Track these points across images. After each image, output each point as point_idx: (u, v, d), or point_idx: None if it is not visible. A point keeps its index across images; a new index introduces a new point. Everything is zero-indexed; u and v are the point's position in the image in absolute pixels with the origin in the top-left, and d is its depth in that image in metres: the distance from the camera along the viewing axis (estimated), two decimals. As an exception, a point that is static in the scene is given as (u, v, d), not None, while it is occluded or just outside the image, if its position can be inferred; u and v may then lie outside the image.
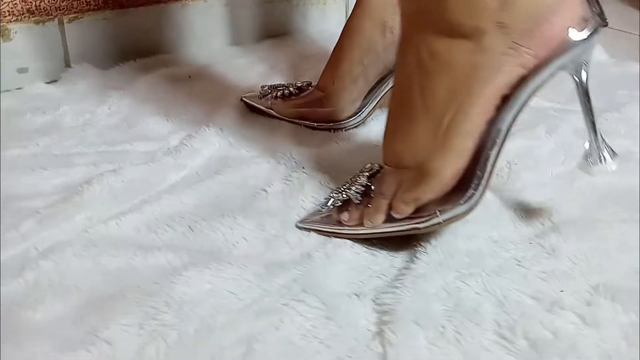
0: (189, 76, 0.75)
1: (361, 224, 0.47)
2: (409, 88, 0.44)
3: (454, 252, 0.46)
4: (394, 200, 0.45)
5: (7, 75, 0.72)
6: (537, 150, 0.62)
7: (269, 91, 0.67)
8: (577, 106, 0.72)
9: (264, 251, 0.45)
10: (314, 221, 0.48)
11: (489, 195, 0.54)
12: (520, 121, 0.67)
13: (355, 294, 0.41)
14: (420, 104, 0.44)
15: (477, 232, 0.49)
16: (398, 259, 0.46)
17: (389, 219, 0.46)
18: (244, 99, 0.68)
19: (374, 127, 0.66)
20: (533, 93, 0.44)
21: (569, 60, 0.44)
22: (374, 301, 0.41)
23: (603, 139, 0.50)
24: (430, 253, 0.45)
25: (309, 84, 0.67)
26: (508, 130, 0.45)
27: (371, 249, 0.46)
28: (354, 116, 0.64)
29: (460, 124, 0.43)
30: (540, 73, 0.43)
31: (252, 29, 0.89)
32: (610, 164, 0.49)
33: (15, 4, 0.72)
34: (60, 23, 0.74)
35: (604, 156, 0.49)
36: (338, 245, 0.46)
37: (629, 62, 0.91)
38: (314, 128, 0.64)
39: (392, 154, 0.47)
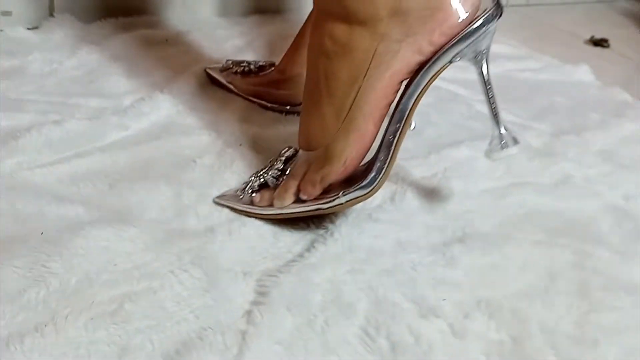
0: (167, 40, 0.77)
1: (272, 205, 0.48)
2: (316, 73, 0.46)
3: (354, 247, 0.47)
4: (302, 182, 0.47)
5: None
6: (477, 162, 0.62)
7: (231, 66, 0.68)
8: (538, 124, 0.74)
9: (171, 219, 0.47)
10: (229, 198, 0.50)
11: (410, 198, 0.55)
12: (474, 131, 0.68)
13: (243, 273, 0.43)
14: (324, 88, 0.45)
15: (387, 232, 0.50)
16: (299, 245, 0.47)
17: (298, 200, 0.47)
18: (207, 69, 0.69)
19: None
20: (432, 78, 0.45)
21: (465, 47, 0.45)
22: (257, 282, 0.42)
23: (506, 128, 0.50)
24: (330, 245, 0.46)
25: (272, 64, 0.68)
26: (408, 114, 0.46)
27: (277, 233, 0.48)
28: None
29: (362, 108, 0.44)
30: (437, 60, 0.44)
31: (241, 2, 0.90)
32: (510, 150, 0.50)
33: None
34: (48, -28, 0.77)
35: (505, 144, 0.49)
36: (244, 224, 0.47)
37: (613, 88, 0.90)
38: (266, 108, 0.65)
39: (303, 137, 0.48)
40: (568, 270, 0.49)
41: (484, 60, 0.48)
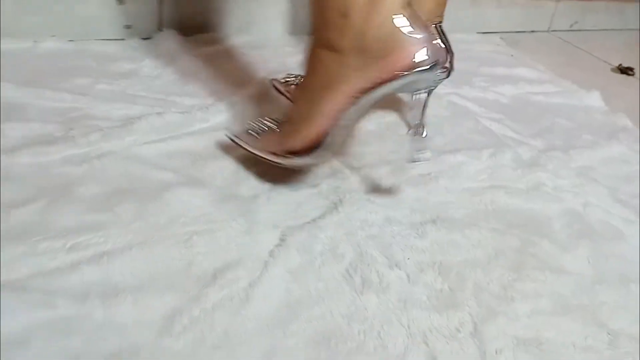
0: (243, 53, 0.98)
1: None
2: (309, 73, 0.63)
3: (352, 218, 0.65)
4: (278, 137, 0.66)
5: (117, 29, 0.97)
6: (468, 166, 0.79)
7: (291, 78, 0.88)
8: (534, 141, 0.89)
9: (230, 186, 0.67)
10: (242, 137, 0.69)
11: (404, 189, 0.72)
12: (475, 143, 0.84)
13: (272, 226, 0.62)
14: (309, 85, 0.63)
15: (379, 210, 0.67)
16: (313, 213, 0.64)
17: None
18: (272, 80, 0.89)
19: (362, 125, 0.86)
20: (375, 101, 0.61)
21: (404, 85, 0.60)
22: (281, 233, 0.62)
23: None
24: (334, 214, 0.65)
25: None
26: (352, 122, 0.63)
27: (301, 203, 0.66)
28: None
29: (324, 105, 0.61)
30: (380, 89, 0.60)
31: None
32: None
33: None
34: (161, -4, 0.99)
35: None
36: (279, 194, 0.67)
37: (617, 113, 1.03)
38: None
39: (291, 110, 0.67)
40: (511, 252, 0.65)
41: (427, 94, 0.70)
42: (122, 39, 0.98)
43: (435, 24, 0.75)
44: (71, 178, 0.64)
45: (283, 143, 0.65)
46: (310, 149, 0.64)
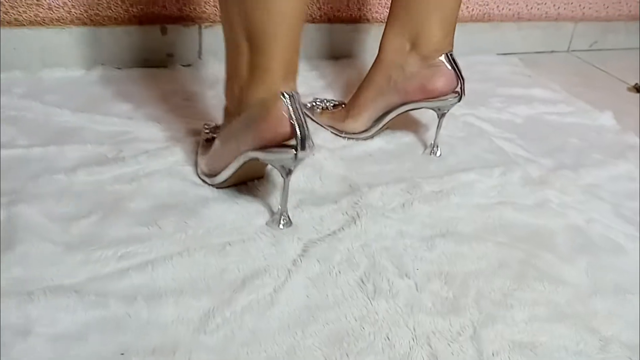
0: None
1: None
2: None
3: (368, 231, 0.71)
4: None
5: (160, 57, 1.06)
6: (479, 184, 0.85)
7: (315, 102, 0.95)
8: (544, 159, 0.93)
9: (261, 201, 0.75)
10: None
11: (417, 205, 0.78)
12: (487, 162, 0.90)
13: (297, 238, 0.69)
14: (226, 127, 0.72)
15: (393, 225, 0.73)
16: (333, 226, 0.71)
17: None
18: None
19: (375, 143, 0.92)
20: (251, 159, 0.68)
21: (269, 158, 0.67)
22: (304, 244, 0.69)
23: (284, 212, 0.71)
24: (352, 228, 0.71)
25: (343, 103, 0.94)
26: (241, 168, 0.71)
27: (323, 217, 0.73)
28: (364, 132, 0.91)
29: (225, 149, 0.71)
30: (249, 153, 0.67)
31: (324, 47, 1.18)
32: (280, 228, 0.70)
33: (173, 11, 1.06)
34: (200, 27, 1.08)
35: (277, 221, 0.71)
36: (303, 211, 0.74)
37: (630, 133, 1.07)
38: (336, 135, 0.92)
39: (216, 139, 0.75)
40: (514, 263, 0.71)
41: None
42: (165, 66, 1.07)
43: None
44: (121, 194, 0.72)
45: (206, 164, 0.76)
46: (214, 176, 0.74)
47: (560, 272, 0.70)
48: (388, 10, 0.85)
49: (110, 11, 1.02)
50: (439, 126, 0.88)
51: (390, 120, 0.88)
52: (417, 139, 0.95)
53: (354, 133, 0.91)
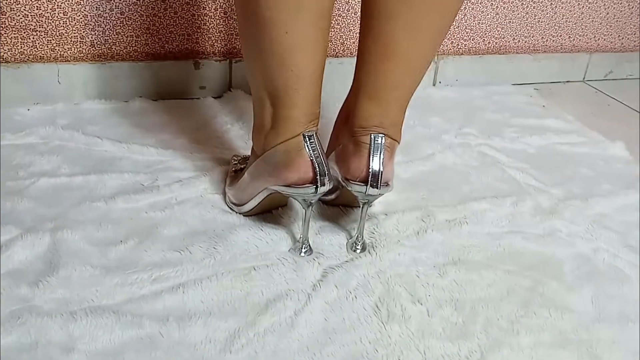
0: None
1: None
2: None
3: (383, 258, 0.74)
4: None
5: (193, 89, 1.12)
6: (491, 213, 0.87)
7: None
8: (555, 189, 0.96)
9: (284, 229, 0.79)
10: None
11: (431, 233, 0.81)
12: (499, 191, 0.92)
13: (317, 263, 0.73)
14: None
15: (407, 252, 0.76)
16: (351, 255, 0.76)
17: None
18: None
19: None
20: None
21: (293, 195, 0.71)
22: (323, 269, 0.72)
23: (305, 241, 0.74)
24: (368, 256, 0.75)
25: None
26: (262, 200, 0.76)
27: (341, 244, 0.77)
28: None
29: (251, 183, 0.77)
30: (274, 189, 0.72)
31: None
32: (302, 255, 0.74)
33: (206, 47, 1.12)
34: (230, 62, 1.13)
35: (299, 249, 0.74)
36: (323, 238, 0.78)
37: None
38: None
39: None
40: (522, 290, 0.73)
41: (311, 203, 0.72)
42: (198, 98, 1.12)
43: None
44: (156, 221, 0.77)
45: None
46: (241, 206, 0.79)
47: (565, 300, 0.73)
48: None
49: (148, 47, 1.08)
50: (361, 217, 0.74)
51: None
52: (436, 167, 0.98)
53: None
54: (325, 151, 0.71)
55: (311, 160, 0.67)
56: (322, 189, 0.68)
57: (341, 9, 1.18)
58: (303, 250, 0.74)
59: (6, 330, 0.59)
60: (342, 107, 0.79)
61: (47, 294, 0.64)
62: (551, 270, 0.77)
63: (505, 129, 1.16)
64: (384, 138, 0.69)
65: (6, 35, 1.00)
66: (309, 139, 0.67)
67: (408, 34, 0.66)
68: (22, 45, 1.01)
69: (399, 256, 0.76)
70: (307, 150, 0.67)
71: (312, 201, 0.71)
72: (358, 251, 0.75)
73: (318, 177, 0.67)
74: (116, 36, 1.06)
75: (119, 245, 0.72)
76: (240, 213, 0.79)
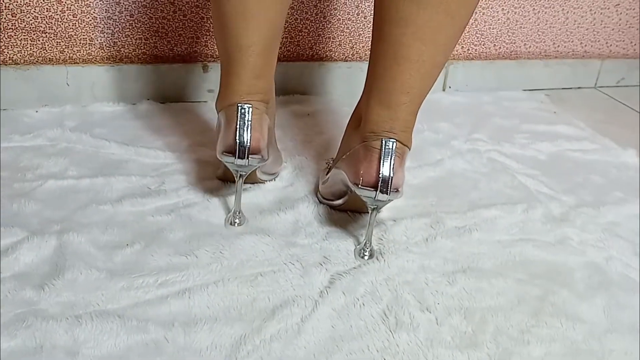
0: (308, 114, 1.10)
1: None
2: None
3: (391, 265, 0.74)
4: None
5: (201, 92, 1.12)
6: (501, 220, 0.86)
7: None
8: (566, 197, 0.95)
9: (290, 234, 0.78)
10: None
11: (440, 240, 0.80)
12: (509, 198, 0.91)
13: (325, 269, 0.72)
14: None
15: (416, 259, 0.75)
16: (359, 261, 0.75)
17: None
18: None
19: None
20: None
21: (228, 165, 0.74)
22: (330, 276, 0.72)
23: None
24: (376, 262, 0.74)
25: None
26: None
27: (349, 250, 0.77)
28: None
29: None
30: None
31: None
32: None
33: (214, 50, 1.11)
34: (239, 65, 1.13)
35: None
36: (331, 244, 0.77)
37: (654, 172, 1.07)
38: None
39: None
40: (532, 299, 0.72)
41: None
42: (206, 101, 1.12)
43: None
44: (162, 225, 0.77)
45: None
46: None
47: (577, 310, 0.72)
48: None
49: (157, 50, 1.08)
50: (370, 222, 0.73)
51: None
52: (446, 173, 0.97)
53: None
54: (335, 156, 0.71)
55: (235, 130, 0.70)
56: (240, 162, 0.71)
57: (350, 13, 1.18)
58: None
59: (11, 334, 0.59)
60: (353, 112, 0.79)
61: (52, 297, 0.64)
62: (562, 279, 0.76)
63: (515, 135, 1.15)
64: (395, 143, 0.68)
65: (16, 37, 1.00)
66: (240, 110, 0.70)
67: (419, 39, 0.66)
68: (32, 47, 1.02)
69: (408, 263, 0.75)
70: (236, 120, 0.70)
71: (240, 172, 0.73)
72: (366, 258, 0.75)
73: (237, 148, 0.70)
74: (125, 39, 1.06)
75: (124, 248, 0.72)
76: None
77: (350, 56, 1.22)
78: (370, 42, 0.74)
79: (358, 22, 1.19)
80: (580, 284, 0.76)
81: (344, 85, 1.20)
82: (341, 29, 1.18)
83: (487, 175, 0.98)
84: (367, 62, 0.73)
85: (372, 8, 0.69)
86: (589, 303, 0.73)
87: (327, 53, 1.20)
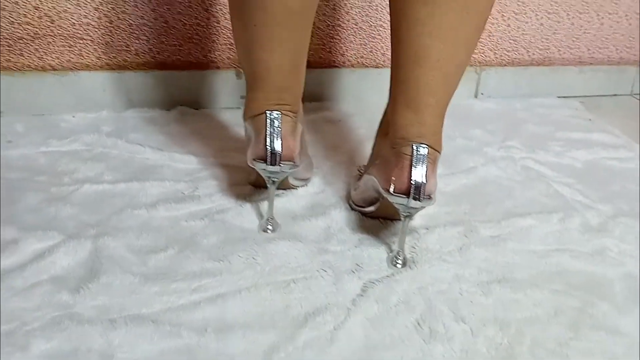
0: (339, 120, 1.09)
1: None
2: None
3: (425, 274, 0.72)
4: None
5: (235, 99, 1.11)
6: (537, 229, 0.84)
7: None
8: (603, 205, 0.92)
9: (322, 241, 0.77)
10: None
11: (474, 249, 0.78)
12: (544, 206, 0.89)
13: (357, 277, 0.71)
14: None
15: (450, 269, 0.73)
16: (392, 269, 0.74)
17: None
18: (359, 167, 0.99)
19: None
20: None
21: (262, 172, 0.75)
22: (363, 283, 0.70)
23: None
24: (409, 271, 0.72)
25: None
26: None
27: (381, 259, 0.75)
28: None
29: None
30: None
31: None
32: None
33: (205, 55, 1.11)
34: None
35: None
36: (362, 251, 0.76)
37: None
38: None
39: None
40: (570, 311, 0.70)
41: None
42: (239, 108, 1.11)
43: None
44: (195, 230, 0.76)
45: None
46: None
47: (617, 322, 0.69)
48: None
49: (191, 57, 1.08)
50: (402, 230, 0.72)
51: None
52: (479, 181, 0.95)
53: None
54: (366, 164, 0.70)
55: (265, 137, 0.70)
56: (272, 168, 0.71)
57: (383, 20, 1.17)
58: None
59: (47, 337, 0.59)
60: (381, 120, 0.77)
61: (87, 301, 0.63)
62: (601, 290, 0.74)
63: (550, 142, 1.12)
64: (426, 149, 0.67)
65: (54, 43, 1.01)
66: (269, 117, 0.70)
67: (437, 39, 0.65)
68: (70, 53, 1.03)
69: (441, 272, 0.73)
70: (266, 127, 0.70)
71: (273, 179, 0.73)
72: (399, 266, 0.73)
73: (269, 154, 0.70)
74: (160, 45, 1.06)
75: (159, 253, 0.71)
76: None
77: (381, 62, 1.20)
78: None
79: (389, 28, 1.17)
80: (619, 296, 0.73)
81: (376, 91, 1.19)
82: (372, 35, 1.17)
83: (522, 183, 0.96)
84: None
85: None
86: (630, 316, 0.70)
87: (359, 59, 1.19)
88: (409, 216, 0.71)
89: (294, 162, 0.72)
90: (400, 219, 0.72)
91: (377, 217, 0.81)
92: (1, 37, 0.99)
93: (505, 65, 1.31)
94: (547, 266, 0.77)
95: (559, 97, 1.36)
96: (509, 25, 1.27)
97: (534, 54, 1.32)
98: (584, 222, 0.87)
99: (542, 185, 0.96)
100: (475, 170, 0.99)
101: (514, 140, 1.11)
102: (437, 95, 0.68)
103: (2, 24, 0.98)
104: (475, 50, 1.26)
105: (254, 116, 0.73)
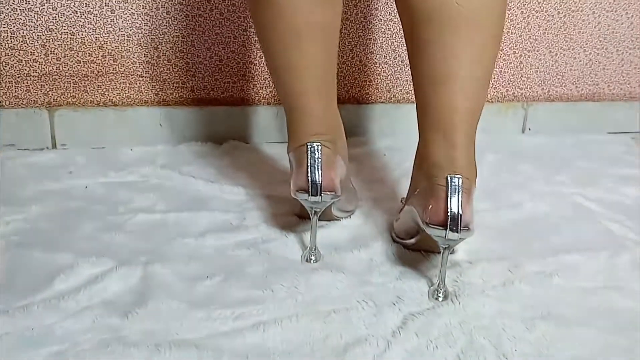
0: (384, 154, 1.09)
1: None
2: None
3: (466, 308, 0.71)
4: None
5: (282, 134, 1.14)
6: (584, 266, 0.81)
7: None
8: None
9: (364, 273, 0.77)
10: None
11: (518, 284, 0.76)
12: (591, 244, 0.86)
13: (398, 309, 0.70)
14: None
15: (492, 303, 0.71)
16: (433, 303, 0.73)
17: None
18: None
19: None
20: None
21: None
22: (403, 316, 0.70)
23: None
24: (451, 305, 0.71)
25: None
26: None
27: (422, 292, 0.75)
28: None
29: None
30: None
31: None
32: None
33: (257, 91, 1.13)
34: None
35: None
36: (404, 283, 0.75)
37: None
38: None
39: None
40: (619, 351, 0.66)
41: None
42: (285, 142, 1.13)
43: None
44: (241, 259, 0.78)
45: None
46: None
47: (670, 365, 0.65)
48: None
49: (243, 93, 1.12)
50: (442, 263, 0.71)
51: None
52: (524, 216, 0.93)
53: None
54: (405, 197, 0.70)
55: (306, 168, 0.71)
56: (314, 199, 0.71)
57: (429, 57, 1.17)
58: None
59: (96, 358, 0.61)
60: (415, 153, 0.78)
61: (135, 325, 0.65)
62: (652, 330, 0.70)
63: (600, 178, 1.09)
64: (461, 179, 0.66)
65: (116, 80, 1.07)
66: (309, 149, 0.72)
67: (451, 56, 0.67)
68: (129, 90, 1.08)
69: (484, 307, 0.72)
70: (306, 159, 0.71)
71: (315, 209, 0.73)
72: (440, 299, 0.72)
73: (310, 185, 0.70)
74: (214, 82, 1.10)
75: (205, 281, 0.73)
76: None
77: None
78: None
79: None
80: (672, 337, 0.70)
81: (411, 126, 1.19)
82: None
83: (570, 220, 0.93)
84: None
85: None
86: (681, 360, 0.66)
87: (404, 95, 1.19)
88: (448, 248, 0.70)
89: (335, 193, 0.73)
90: (440, 252, 0.71)
91: (418, 250, 0.81)
92: (68, 75, 1.05)
93: (553, 100, 1.29)
94: (595, 303, 0.74)
95: (609, 132, 1.32)
96: (556, 61, 1.25)
97: (582, 89, 1.29)
98: (634, 260, 0.83)
99: (591, 222, 0.93)
100: (522, 205, 0.97)
101: (562, 176, 1.08)
102: (461, 113, 0.69)
103: (69, 62, 1.04)
104: (522, 86, 1.25)
105: (295, 148, 0.75)
